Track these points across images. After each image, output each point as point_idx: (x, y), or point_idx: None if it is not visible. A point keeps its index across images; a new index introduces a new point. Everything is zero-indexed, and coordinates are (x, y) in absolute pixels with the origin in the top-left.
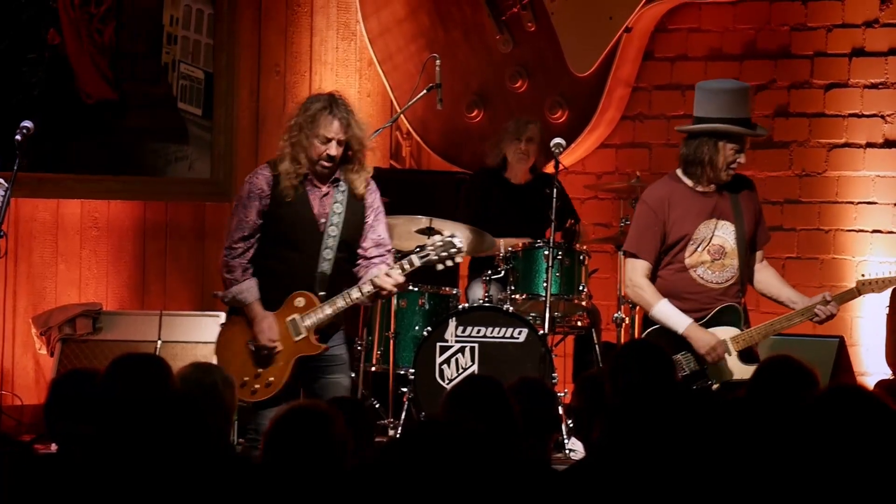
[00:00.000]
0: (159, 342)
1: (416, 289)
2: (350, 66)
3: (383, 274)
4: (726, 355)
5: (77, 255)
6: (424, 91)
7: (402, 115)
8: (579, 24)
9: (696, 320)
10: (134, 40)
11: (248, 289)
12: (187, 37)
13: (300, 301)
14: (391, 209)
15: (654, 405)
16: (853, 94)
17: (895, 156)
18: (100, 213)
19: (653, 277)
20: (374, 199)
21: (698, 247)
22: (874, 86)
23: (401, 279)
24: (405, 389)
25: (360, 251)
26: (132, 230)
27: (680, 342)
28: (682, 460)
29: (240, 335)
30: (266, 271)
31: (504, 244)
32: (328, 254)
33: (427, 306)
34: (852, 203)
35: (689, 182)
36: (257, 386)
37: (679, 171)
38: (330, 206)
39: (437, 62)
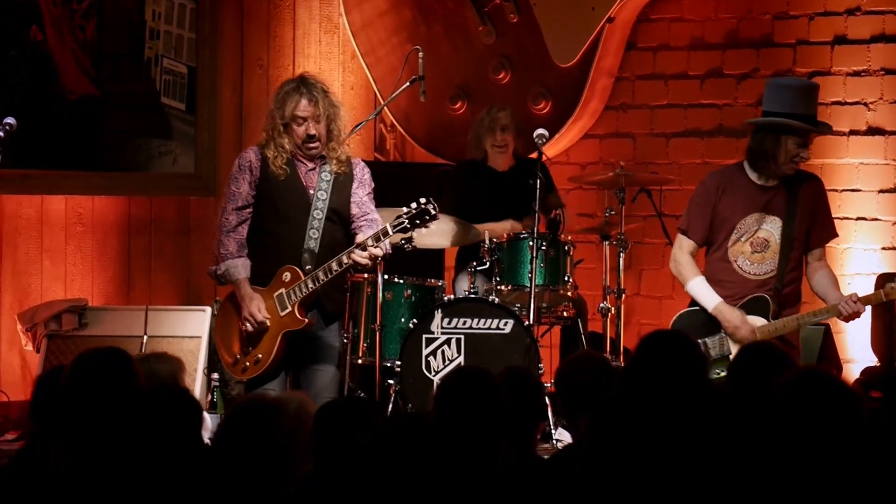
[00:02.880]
0: (145, 337)
1: (401, 281)
2: (333, 59)
3: (357, 249)
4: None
5: (62, 251)
6: (407, 83)
7: (385, 108)
8: (562, 15)
9: None
10: (116, 36)
11: (243, 265)
12: (170, 31)
13: (287, 276)
14: (376, 201)
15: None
16: (836, 82)
17: (879, 143)
18: (84, 208)
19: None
20: (362, 173)
21: (741, 237)
22: (857, 73)
23: (377, 252)
24: (392, 382)
25: (352, 221)
26: (117, 226)
27: (710, 327)
28: (671, 447)
29: (234, 314)
30: (256, 247)
31: (488, 232)
32: (316, 226)
33: (413, 298)
34: (836, 191)
35: (752, 174)
36: (247, 363)
37: (745, 163)
38: (317, 180)
39: (420, 54)
